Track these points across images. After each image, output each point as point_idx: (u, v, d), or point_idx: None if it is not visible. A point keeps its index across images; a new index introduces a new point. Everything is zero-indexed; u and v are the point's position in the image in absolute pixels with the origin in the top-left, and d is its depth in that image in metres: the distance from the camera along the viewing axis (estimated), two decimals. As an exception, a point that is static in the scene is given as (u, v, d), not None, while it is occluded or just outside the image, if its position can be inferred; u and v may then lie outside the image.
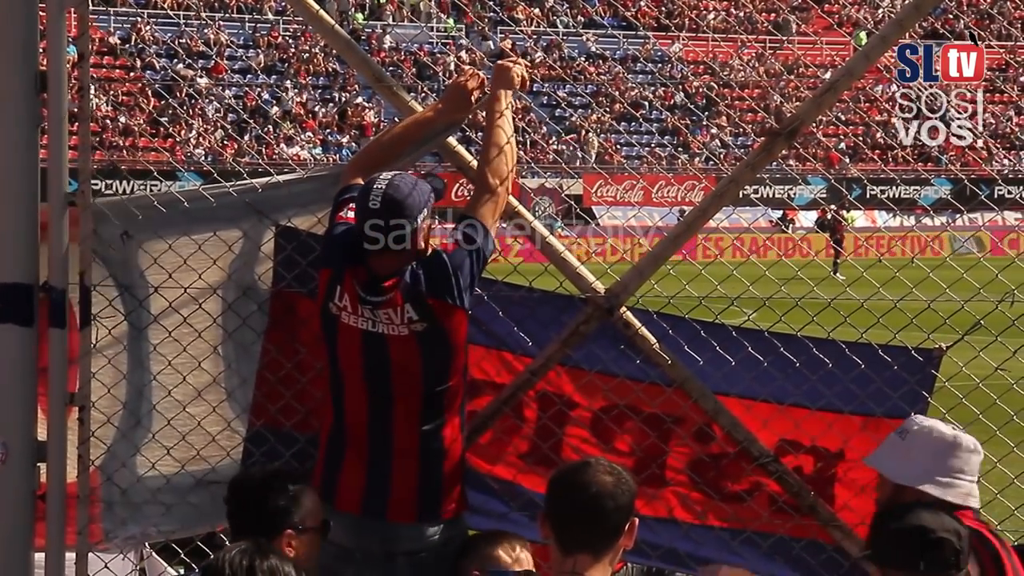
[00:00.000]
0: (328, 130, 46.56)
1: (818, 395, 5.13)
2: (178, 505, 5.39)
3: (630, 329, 5.21)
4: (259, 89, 46.56)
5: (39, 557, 5.09)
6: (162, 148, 38.76)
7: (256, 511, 4.31)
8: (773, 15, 52.99)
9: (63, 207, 5.09)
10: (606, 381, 5.25)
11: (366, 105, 47.24)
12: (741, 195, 5.33)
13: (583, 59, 50.05)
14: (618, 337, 5.22)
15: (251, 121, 42.18)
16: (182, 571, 6.30)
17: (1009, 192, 44.89)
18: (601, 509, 3.94)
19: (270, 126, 44.47)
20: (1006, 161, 47.24)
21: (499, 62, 5.20)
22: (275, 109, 45.65)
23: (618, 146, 46.68)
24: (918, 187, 46.27)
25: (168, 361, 5.40)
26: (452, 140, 5.30)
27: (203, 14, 46.56)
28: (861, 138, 46.61)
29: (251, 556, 3.63)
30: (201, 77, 45.18)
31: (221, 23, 47.38)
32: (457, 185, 6.53)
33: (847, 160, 45.72)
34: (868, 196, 43.81)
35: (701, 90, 48.96)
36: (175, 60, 44.61)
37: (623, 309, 5.21)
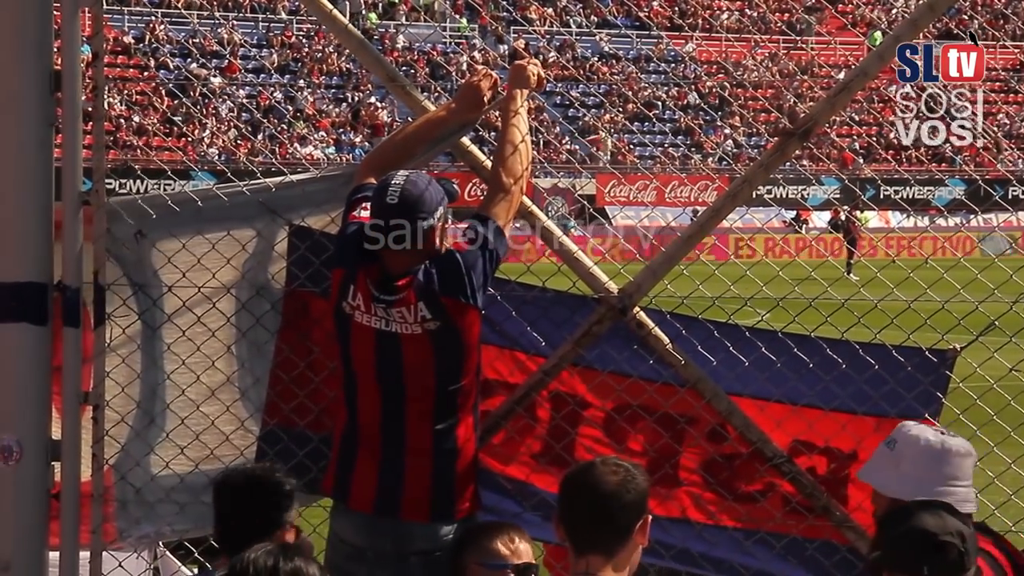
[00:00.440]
0: (341, 130, 46.60)
1: (832, 396, 5.12)
2: (192, 504, 5.39)
3: (643, 329, 5.20)
4: (272, 88, 46.62)
5: (53, 556, 5.09)
6: (176, 147, 38.82)
7: (253, 513, 4.32)
8: (787, 15, 52.93)
9: (77, 206, 5.10)
10: (619, 381, 5.24)
11: (379, 105, 47.26)
12: (754, 195, 5.32)
13: (596, 59, 50.03)
14: (631, 337, 5.22)
15: (264, 120, 42.21)
16: (196, 570, 6.30)
17: (1024, 193, 44.79)
18: (607, 509, 3.92)
19: (283, 125, 44.51)
20: (1020, 163, 47.08)
21: (516, 62, 5.20)
22: (289, 108, 45.71)
23: (631, 146, 46.63)
24: (932, 187, 46.17)
25: (182, 360, 5.41)
26: (465, 140, 5.30)
27: (217, 14, 46.65)
28: (875, 138, 46.52)
29: (276, 558, 3.64)
30: (215, 76, 45.27)
31: (235, 22, 47.48)
32: (470, 185, 6.53)
33: (861, 160, 45.63)
34: (882, 196, 43.72)
35: (714, 90, 48.91)
36: (189, 59, 44.67)
37: (636, 309, 5.20)
